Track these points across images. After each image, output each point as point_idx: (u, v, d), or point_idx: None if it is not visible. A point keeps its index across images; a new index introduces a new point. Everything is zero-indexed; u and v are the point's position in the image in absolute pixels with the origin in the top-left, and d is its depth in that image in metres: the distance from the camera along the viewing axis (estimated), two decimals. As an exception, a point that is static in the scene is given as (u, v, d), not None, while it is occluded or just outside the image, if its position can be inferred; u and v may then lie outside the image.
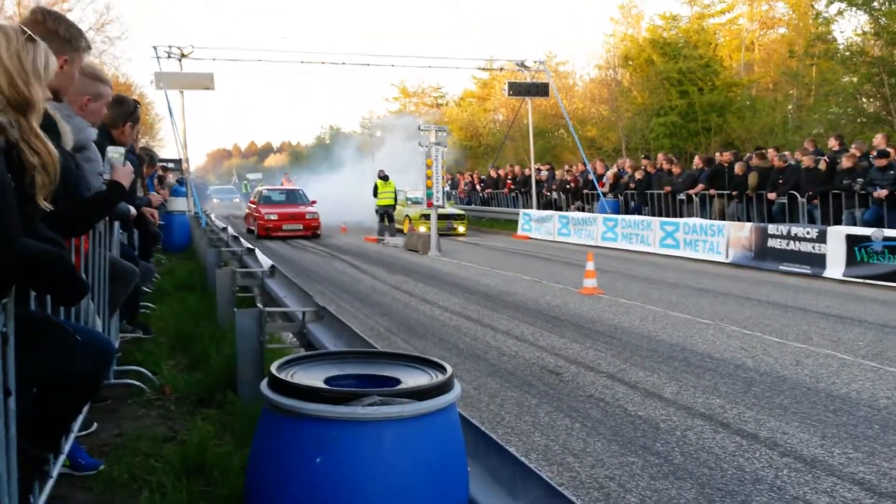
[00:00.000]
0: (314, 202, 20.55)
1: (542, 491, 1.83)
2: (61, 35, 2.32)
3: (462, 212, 21.71)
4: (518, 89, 22.74)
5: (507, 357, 6.09)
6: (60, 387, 2.20)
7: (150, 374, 4.58)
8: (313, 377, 1.65)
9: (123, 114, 4.22)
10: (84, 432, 3.63)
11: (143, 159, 6.19)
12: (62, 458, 2.96)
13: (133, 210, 4.17)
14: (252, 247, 7.85)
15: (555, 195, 21.53)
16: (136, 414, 4.06)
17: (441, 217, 19.39)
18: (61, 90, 2.37)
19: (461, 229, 20.48)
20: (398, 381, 1.66)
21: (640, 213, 17.18)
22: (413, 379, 1.66)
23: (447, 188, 25.65)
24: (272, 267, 5.97)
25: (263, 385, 1.58)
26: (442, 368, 1.70)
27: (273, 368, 1.62)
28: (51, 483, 2.65)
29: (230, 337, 4.45)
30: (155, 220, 5.61)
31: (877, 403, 4.79)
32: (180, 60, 18.95)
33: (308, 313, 3.90)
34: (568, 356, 6.10)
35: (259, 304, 4.91)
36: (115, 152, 2.73)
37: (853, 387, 5.18)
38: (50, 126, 2.14)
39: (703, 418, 4.50)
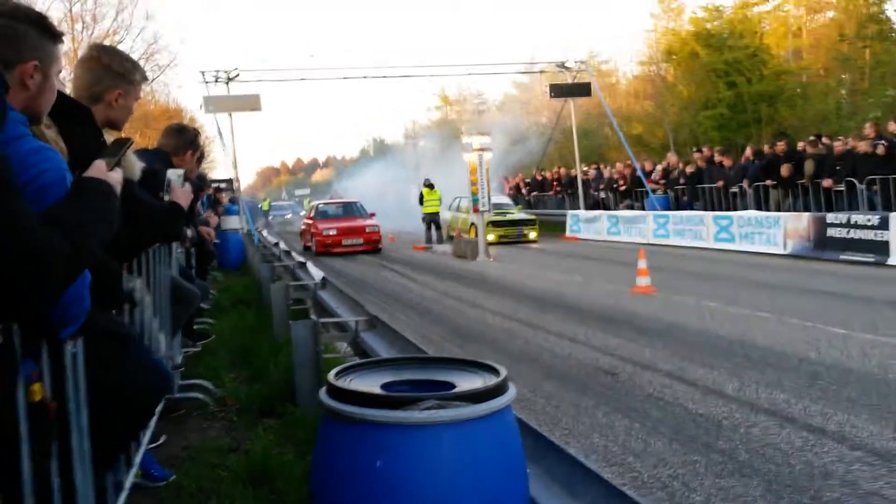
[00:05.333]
0: (373, 214, 19.65)
1: (602, 491, 1.82)
2: (115, 69, 2.43)
3: (533, 217, 20.32)
4: (560, 91, 22.58)
5: (561, 359, 6.04)
6: (116, 406, 2.27)
7: (212, 387, 4.70)
8: (370, 384, 1.68)
9: (185, 142, 4.34)
10: (154, 444, 3.76)
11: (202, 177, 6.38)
12: (134, 469, 3.07)
13: (190, 232, 4.31)
14: (304, 260, 7.98)
15: (602, 195, 21.29)
16: (202, 426, 4.18)
17: (511, 223, 19.25)
18: (118, 121, 2.48)
19: (533, 235, 19.23)
20: (453, 386, 1.67)
21: (691, 209, 16.85)
22: (468, 382, 1.67)
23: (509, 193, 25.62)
24: (324, 279, 6.07)
25: (322, 392, 1.62)
26: (495, 371, 1.71)
27: (330, 377, 1.66)
28: (124, 495, 2.75)
29: (287, 349, 4.54)
30: (211, 238, 5.78)
31: (952, 393, 4.59)
32: (227, 84, 19.47)
33: (361, 322, 3.96)
34: (623, 356, 6.02)
35: (313, 316, 5.00)
36: (174, 174, 2.84)
37: (926, 377, 4.98)
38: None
39: (767, 414, 4.39)
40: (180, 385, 4.55)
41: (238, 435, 3.96)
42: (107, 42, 28.88)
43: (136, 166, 2.54)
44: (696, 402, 4.68)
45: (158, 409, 2.96)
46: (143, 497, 3.14)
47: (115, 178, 1.65)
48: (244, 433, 3.98)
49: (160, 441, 3.83)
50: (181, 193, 2.79)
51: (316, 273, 6.62)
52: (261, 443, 3.57)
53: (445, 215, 20.18)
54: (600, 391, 5.06)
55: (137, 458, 3.07)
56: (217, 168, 41.39)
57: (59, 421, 1.65)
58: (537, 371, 5.69)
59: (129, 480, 2.88)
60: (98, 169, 1.69)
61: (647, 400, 4.80)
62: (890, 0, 24.29)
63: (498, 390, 1.59)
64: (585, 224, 19.94)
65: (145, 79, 2.60)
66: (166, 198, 2.79)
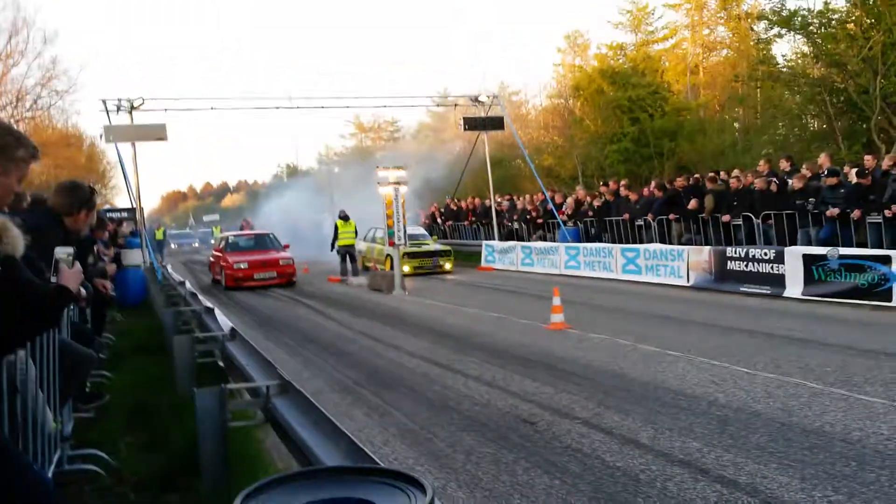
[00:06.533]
0: (287, 246, 19.03)
1: None
2: None
3: (448, 248, 20.31)
4: (473, 124, 22.91)
5: (480, 407, 5.97)
6: None
7: (106, 456, 4.34)
8: (283, 508, 1.53)
9: (78, 201, 4.01)
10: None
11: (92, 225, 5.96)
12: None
13: (84, 292, 3.98)
14: (211, 306, 7.61)
15: (516, 225, 21.63)
16: (94, 505, 3.83)
17: (426, 254, 19.17)
18: None
19: (448, 266, 19.24)
20: (374, 506, 1.55)
21: (600, 240, 17.33)
22: (391, 502, 1.55)
23: (424, 223, 25.58)
24: (232, 330, 5.77)
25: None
26: (421, 487, 1.59)
27: (238, 502, 1.50)
28: None
29: (190, 410, 4.25)
30: (107, 290, 5.40)
31: (850, 437, 4.79)
32: (130, 113, 18.61)
33: (272, 387, 3.74)
34: (541, 402, 6.01)
35: (221, 379, 4.72)
36: (63, 253, 2.58)
37: (826, 419, 5.19)
38: None
39: (682, 465, 4.44)
40: (70, 456, 4.17)
41: (135, 515, 3.65)
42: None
43: (20, 241, 2.28)
44: (613, 454, 4.69)
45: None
46: None
47: None
48: (142, 512, 3.68)
49: (46, 527, 3.47)
50: (70, 275, 2.54)
51: (224, 322, 6.30)
52: (160, 527, 3.29)
53: (360, 246, 19.96)
54: (520, 443, 5.01)
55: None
56: (119, 195, 39.57)
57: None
58: (456, 421, 5.59)
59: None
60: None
61: (566, 452, 4.78)
62: (776, 42, 25.99)
63: (422, 516, 1.47)
64: (500, 254, 20.18)
65: (34, 156, 2.32)
66: (53, 279, 2.54)
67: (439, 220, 26.74)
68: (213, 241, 33.51)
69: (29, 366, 3.32)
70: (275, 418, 3.63)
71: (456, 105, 25.75)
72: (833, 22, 21.64)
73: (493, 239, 21.64)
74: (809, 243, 12.19)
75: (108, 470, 4.23)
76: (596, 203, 18.28)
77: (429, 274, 18.66)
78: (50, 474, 3.35)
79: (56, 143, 27.79)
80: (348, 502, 1.60)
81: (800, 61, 24.00)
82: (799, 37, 23.46)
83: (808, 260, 11.33)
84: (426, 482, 1.61)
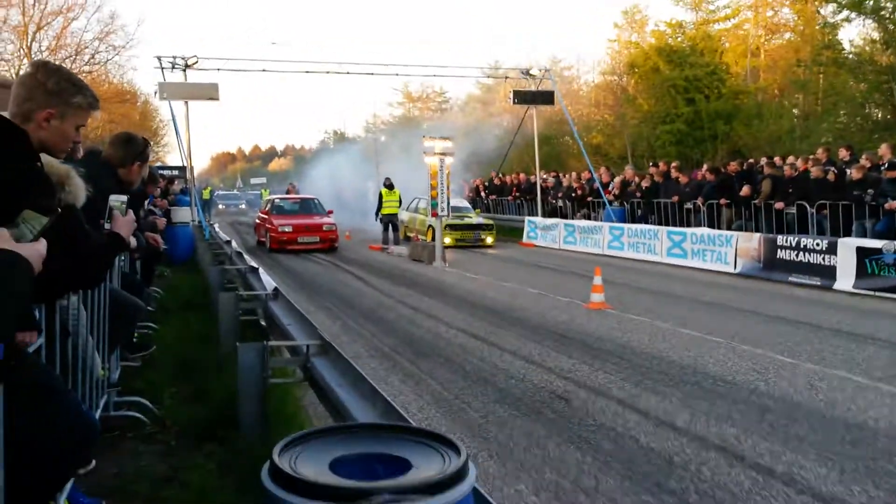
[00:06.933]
0: (331, 212, 19.29)
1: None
2: (49, 87, 2.21)
3: (490, 222, 20.29)
4: (523, 98, 22.62)
5: (515, 381, 5.98)
6: (36, 461, 2.10)
7: (150, 405, 4.48)
8: (318, 460, 1.55)
9: (132, 153, 4.10)
10: (82, 470, 3.54)
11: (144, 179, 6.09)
12: (62, 498, 2.87)
13: (135, 242, 4.08)
14: (256, 265, 7.75)
15: (560, 203, 21.42)
16: (137, 450, 3.96)
17: (468, 227, 19.19)
18: (51, 145, 2.24)
19: (489, 240, 19.12)
20: (408, 464, 1.56)
21: (646, 222, 17.06)
22: (425, 462, 1.55)
23: (468, 196, 25.56)
24: (276, 290, 5.87)
25: (264, 474, 1.48)
26: (455, 448, 1.59)
27: (275, 454, 1.52)
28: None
29: (232, 365, 4.35)
30: (158, 244, 5.53)
31: (895, 433, 4.67)
32: (185, 71, 18.89)
33: (312, 347, 3.80)
34: (577, 379, 5.99)
35: (262, 336, 4.81)
36: (116, 201, 2.64)
37: (870, 414, 5.05)
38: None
39: (718, 450, 4.38)
40: (116, 402, 4.32)
41: (175, 462, 3.76)
42: (59, 18, 27.87)
43: (82, 191, 2.34)
44: (647, 435, 4.65)
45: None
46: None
47: (33, 249, 1.48)
48: (182, 459, 3.79)
49: (90, 466, 3.61)
50: (123, 223, 2.60)
51: (268, 282, 6.40)
52: (199, 474, 3.39)
53: (403, 216, 20.04)
54: (553, 419, 5.00)
55: (64, 494, 2.87)
56: (171, 153, 40.35)
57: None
58: (491, 394, 5.61)
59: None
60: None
61: (600, 430, 4.76)
62: (843, 27, 24.96)
63: (457, 477, 1.47)
64: (542, 231, 20.04)
65: (94, 105, 2.35)
66: (107, 226, 2.60)
67: (483, 194, 26.64)
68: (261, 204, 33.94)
69: (81, 311, 3.44)
70: (313, 377, 3.70)
71: (506, 78, 25.48)
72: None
73: (537, 215, 21.48)
74: (864, 236, 11.80)
75: (151, 418, 4.36)
76: (644, 184, 17.96)
77: (470, 247, 18.65)
78: (97, 418, 3.47)
79: (111, 98, 28.38)
80: (382, 458, 1.61)
81: (867, 48, 23.01)
82: (869, 21, 22.48)
83: (862, 253, 10.97)
84: (460, 444, 1.62)
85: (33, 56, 25.88)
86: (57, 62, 2.76)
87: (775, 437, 4.61)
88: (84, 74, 27.88)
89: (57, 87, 2.22)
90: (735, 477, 3.99)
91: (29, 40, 26.82)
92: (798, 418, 4.97)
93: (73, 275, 2.20)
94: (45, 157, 2.19)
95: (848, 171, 12.62)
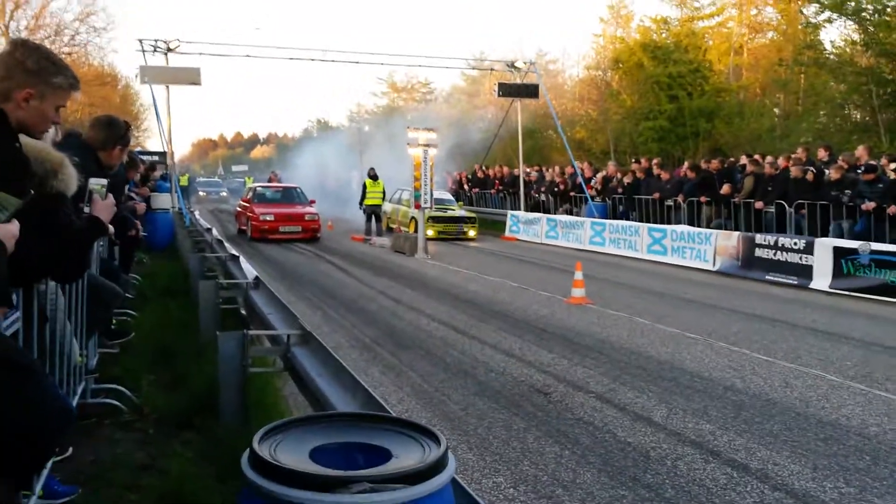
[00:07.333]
0: (313, 202, 19.16)
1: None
2: (28, 66, 2.17)
3: (473, 214, 20.18)
4: (508, 90, 22.60)
5: (495, 374, 6.00)
6: (9, 444, 2.07)
7: (128, 392, 4.44)
8: (298, 448, 1.55)
9: (113, 137, 4.05)
10: (59, 457, 3.50)
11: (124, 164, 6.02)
12: (38, 486, 2.84)
13: (112, 228, 4.02)
14: (236, 254, 7.69)
15: (543, 197, 21.47)
16: (114, 437, 3.93)
17: (451, 220, 19.14)
18: (29, 125, 2.20)
19: (472, 233, 19.03)
20: (388, 453, 1.56)
21: (627, 218, 17.16)
22: (405, 451, 1.56)
23: (451, 188, 25.51)
24: (256, 279, 5.83)
25: (244, 461, 1.48)
26: (435, 439, 1.60)
27: (255, 441, 1.52)
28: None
29: (212, 352, 4.33)
30: (137, 231, 5.46)
31: (867, 431, 4.75)
32: (166, 55, 18.63)
33: (293, 336, 3.78)
34: (556, 374, 6.02)
35: (242, 325, 4.78)
36: (96, 184, 2.61)
37: (843, 412, 5.14)
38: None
39: (694, 446, 4.44)
40: (93, 389, 4.28)
41: (153, 450, 3.73)
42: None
43: (73, 180, 2.30)
44: (625, 430, 4.70)
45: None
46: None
47: (5, 230, 1.45)
48: (160, 447, 3.76)
49: (66, 454, 3.57)
50: (102, 206, 2.57)
51: (249, 270, 6.36)
52: (177, 462, 3.37)
53: (386, 207, 19.99)
54: (532, 412, 5.04)
55: (39, 483, 2.84)
56: (151, 138, 39.86)
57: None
58: (471, 386, 5.63)
59: (33, 501, 2.67)
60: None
61: (578, 424, 4.80)
62: (825, 28, 25.18)
63: (437, 467, 1.48)
64: (525, 225, 20.09)
65: (74, 86, 2.31)
66: (86, 209, 2.57)
67: (466, 187, 26.63)
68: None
69: (59, 296, 3.40)
70: (294, 367, 3.68)
71: (492, 70, 25.45)
72: (889, 9, 20.89)
73: (519, 209, 21.51)
74: (842, 236, 11.96)
75: (129, 406, 4.33)
76: (626, 180, 18.06)
77: (452, 240, 18.65)
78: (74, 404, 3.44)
79: (91, 80, 27.99)
80: (363, 447, 1.62)
81: (848, 49, 23.26)
82: (850, 23, 22.71)
83: (839, 253, 11.13)
84: (440, 435, 1.62)
85: (11, 36, 25.39)
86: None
87: (750, 433, 4.68)
88: (64, 55, 27.42)
89: (37, 66, 2.19)
90: (710, 472, 4.04)
91: (7, 19, 26.35)
92: (773, 415, 5.05)
93: (53, 261, 2.17)
94: (40, 144, 2.17)
95: (826, 171, 12.78)
